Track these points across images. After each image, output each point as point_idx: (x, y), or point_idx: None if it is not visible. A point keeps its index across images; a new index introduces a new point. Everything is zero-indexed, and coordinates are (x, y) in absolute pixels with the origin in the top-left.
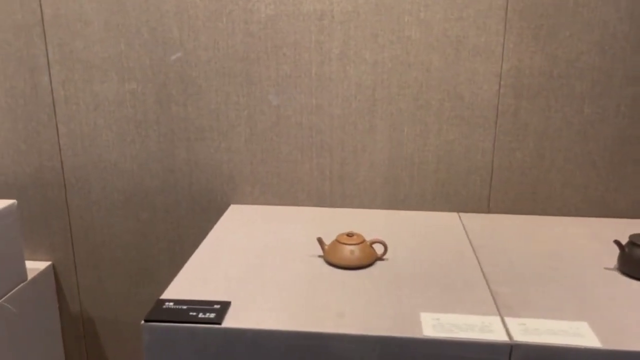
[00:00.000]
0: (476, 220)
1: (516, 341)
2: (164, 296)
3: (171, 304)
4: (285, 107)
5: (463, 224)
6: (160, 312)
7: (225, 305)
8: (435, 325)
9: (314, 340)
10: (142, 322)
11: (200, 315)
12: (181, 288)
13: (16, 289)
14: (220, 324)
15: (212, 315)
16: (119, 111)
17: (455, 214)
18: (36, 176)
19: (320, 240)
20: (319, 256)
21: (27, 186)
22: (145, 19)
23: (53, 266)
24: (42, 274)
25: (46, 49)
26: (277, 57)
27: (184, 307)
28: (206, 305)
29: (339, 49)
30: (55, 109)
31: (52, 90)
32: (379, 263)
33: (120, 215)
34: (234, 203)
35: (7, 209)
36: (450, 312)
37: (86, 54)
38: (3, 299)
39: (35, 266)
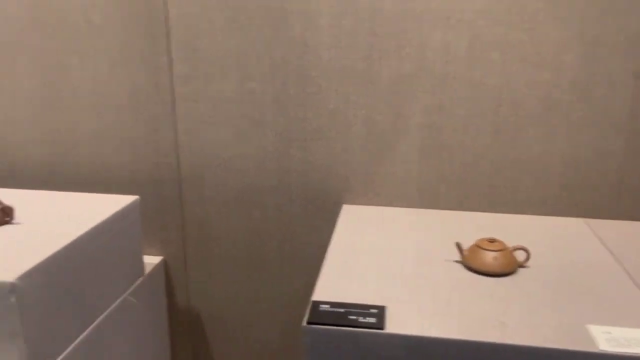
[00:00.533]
0: (607, 227)
1: None
2: (315, 298)
3: (327, 306)
4: (404, 107)
5: (593, 231)
6: (320, 315)
7: (381, 310)
8: (609, 339)
9: (481, 351)
10: (304, 324)
11: (361, 319)
12: (328, 290)
13: (135, 284)
14: (382, 329)
15: (373, 320)
16: (237, 110)
17: (581, 220)
18: (153, 173)
19: (458, 245)
20: (456, 261)
21: (143, 182)
22: (269, 18)
23: (164, 261)
24: (155, 268)
25: (169, 48)
26: (401, 57)
27: (341, 310)
28: (362, 309)
29: (465, 48)
30: (175, 107)
31: (172, 88)
32: (521, 270)
33: (233, 213)
34: (346, 203)
35: (131, 205)
36: (615, 325)
37: (208, 52)
38: (125, 293)
39: (148, 261)
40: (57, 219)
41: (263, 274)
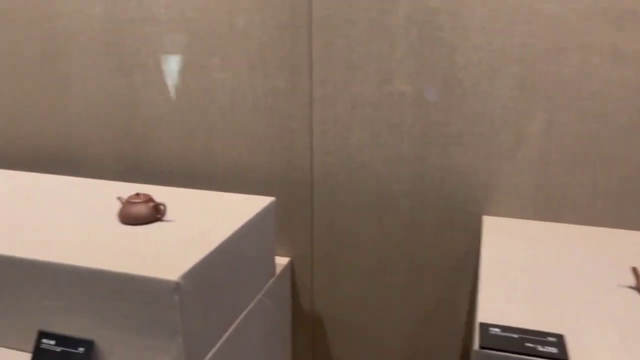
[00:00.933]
0: None
1: None
2: (481, 320)
3: (497, 330)
4: (559, 114)
5: None
6: (492, 339)
7: (560, 339)
8: None
9: None
10: (476, 348)
11: (540, 348)
12: (492, 312)
13: (267, 284)
14: None
15: (554, 349)
16: (375, 113)
17: None
18: (286, 174)
19: (635, 271)
20: (631, 287)
21: (276, 182)
22: (417, 19)
23: (291, 262)
24: (284, 270)
25: (310, 49)
26: (559, 60)
27: (514, 335)
28: (539, 336)
29: (636, 51)
30: (312, 108)
31: (311, 90)
32: None
33: (363, 218)
34: (486, 214)
35: (268, 206)
36: None
37: (349, 54)
38: (259, 294)
39: (277, 262)
40: (204, 218)
41: (391, 283)
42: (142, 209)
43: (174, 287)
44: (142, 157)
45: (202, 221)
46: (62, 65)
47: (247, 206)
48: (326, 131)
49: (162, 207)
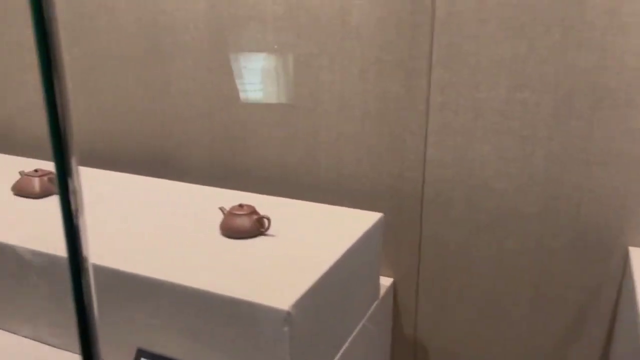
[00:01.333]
0: None
1: None
2: None
3: None
4: None
5: None
6: None
7: None
8: None
9: None
10: None
11: None
12: None
13: (371, 308)
14: None
15: None
16: (503, 123)
17: None
18: (394, 186)
19: None
20: None
21: (382, 196)
22: (555, 17)
23: (394, 284)
24: (387, 292)
25: (430, 51)
26: None
27: None
28: None
29: None
30: (428, 116)
31: (428, 95)
32: None
33: (482, 240)
34: (632, 245)
35: (377, 223)
36: None
37: (476, 56)
38: (364, 318)
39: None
40: (309, 234)
41: (509, 315)
42: (245, 222)
43: (285, 317)
44: (238, 162)
45: (308, 237)
46: (163, 64)
47: (354, 222)
48: (443, 142)
49: (266, 220)
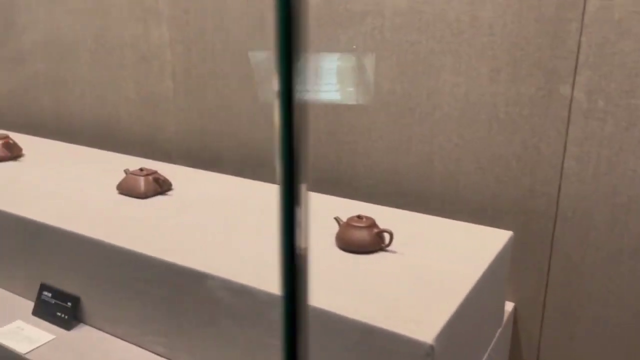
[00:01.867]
0: None
1: None
2: None
3: None
4: None
5: None
6: None
7: None
8: None
9: None
10: None
11: None
12: None
13: (495, 336)
14: None
15: None
16: None
17: None
18: (522, 201)
19: None
20: None
21: (507, 210)
22: None
23: (514, 309)
24: (508, 317)
25: (578, 50)
26: None
27: None
28: None
29: None
30: (569, 124)
31: (571, 101)
32: None
33: (626, 267)
34: None
35: (507, 243)
36: None
37: (634, 57)
38: (489, 348)
39: None
40: (434, 252)
41: None
42: (365, 236)
43: (428, 352)
44: (344, 168)
45: (434, 256)
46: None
47: (483, 240)
48: (585, 154)
49: (387, 235)
